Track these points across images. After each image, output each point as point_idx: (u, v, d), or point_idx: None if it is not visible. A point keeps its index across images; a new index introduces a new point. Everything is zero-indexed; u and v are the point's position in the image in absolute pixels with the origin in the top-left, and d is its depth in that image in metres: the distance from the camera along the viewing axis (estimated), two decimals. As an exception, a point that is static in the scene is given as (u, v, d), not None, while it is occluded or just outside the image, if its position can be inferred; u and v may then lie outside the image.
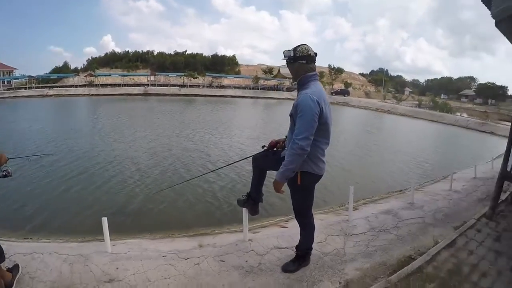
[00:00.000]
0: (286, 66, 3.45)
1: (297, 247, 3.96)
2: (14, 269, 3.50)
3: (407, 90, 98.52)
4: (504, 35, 6.53)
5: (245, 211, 4.44)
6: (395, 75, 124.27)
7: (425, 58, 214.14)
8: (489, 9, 5.65)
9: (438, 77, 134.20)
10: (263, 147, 3.92)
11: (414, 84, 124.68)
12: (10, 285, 3.30)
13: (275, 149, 3.82)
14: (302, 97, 3.16)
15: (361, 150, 17.71)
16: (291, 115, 3.31)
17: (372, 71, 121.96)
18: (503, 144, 8.96)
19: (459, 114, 50.06)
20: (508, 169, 5.58)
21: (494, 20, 5.61)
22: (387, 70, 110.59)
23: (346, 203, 6.83)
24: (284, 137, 3.75)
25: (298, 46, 3.31)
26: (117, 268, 3.82)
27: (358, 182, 10.99)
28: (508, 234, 5.21)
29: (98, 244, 4.71)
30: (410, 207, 6.61)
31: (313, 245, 4.08)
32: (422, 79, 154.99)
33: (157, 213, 8.07)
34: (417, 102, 63.47)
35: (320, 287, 3.62)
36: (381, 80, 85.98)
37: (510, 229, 5.42)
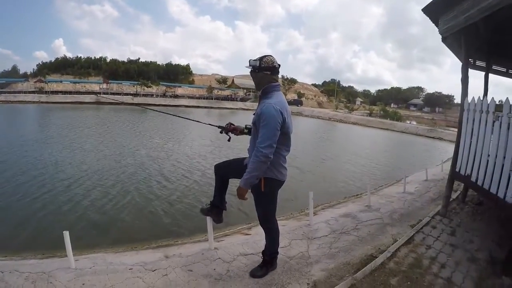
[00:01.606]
0: (250, 74, 3.51)
1: (263, 252, 4.00)
2: None
3: (359, 100, 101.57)
4: (450, 49, 7.03)
5: (209, 220, 4.42)
6: (346, 85, 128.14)
7: (375, 69, 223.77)
8: (437, 27, 6.09)
9: (388, 87, 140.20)
10: (219, 127, 4.08)
11: (365, 94, 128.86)
12: None
13: (230, 132, 4.02)
14: (265, 106, 3.22)
15: (317, 158, 17.98)
16: (254, 123, 3.40)
17: (325, 81, 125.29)
18: (451, 148, 9.40)
19: (408, 122, 52.39)
20: (457, 169, 5.88)
21: (440, 36, 6.05)
22: (339, 81, 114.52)
23: (306, 209, 7.00)
24: (243, 126, 3.98)
25: (264, 56, 3.40)
26: (83, 284, 3.70)
27: (315, 189, 11.19)
28: (461, 229, 5.52)
29: (60, 260, 4.54)
30: (367, 209, 6.81)
31: (279, 250, 4.12)
32: (372, 90, 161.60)
33: (117, 226, 7.79)
34: (369, 111, 65.58)
35: (290, 289, 3.65)
36: (333, 90, 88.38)
37: (463, 224, 5.72)
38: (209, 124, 4.67)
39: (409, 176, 11.07)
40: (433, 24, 6.35)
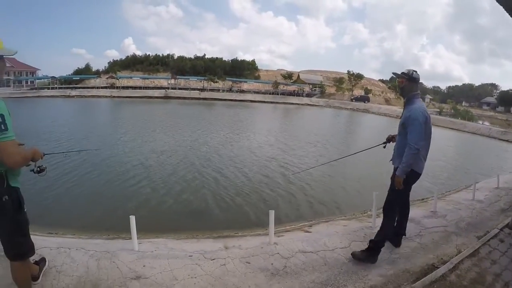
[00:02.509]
0: (398, 79, 4.33)
1: (371, 240, 4.38)
2: (41, 262, 3.58)
3: (428, 97, 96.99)
4: None
5: (271, 214, 4.62)
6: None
7: (444, 64, 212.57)
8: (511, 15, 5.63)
9: (459, 83, 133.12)
10: (384, 143, 5.16)
11: (435, 91, 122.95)
12: (36, 278, 3.37)
13: (390, 142, 4.98)
14: (414, 111, 3.97)
15: (385, 157, 17.55)
16: (402, 124, 4.13)
17: (392, 77, 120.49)
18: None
19: (481, 122, 49.17)
20: (532, 179, 5.58)
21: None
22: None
23: (369, 210, 6.90)
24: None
25: (415, 71, 4.17)
26: (144, 266, 3.92)
27: (381, 190, 11.01)
28: (531, 245, 5.22)
29: (124, 242, 4.88)
30: (432, 215, 6.59)
31: (337, 250, 4.34)
32: (443, 86, 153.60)
33: (181, 214, 8.21)
34: (438, 110, 62.50)
35: (344, 291, 3.68)
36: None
37: (533, 240, 5.42)
38: (376, 146, 5.67)
39: (479, 182, 10.54)
40: (506, 13, 5.88)
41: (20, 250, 2.92)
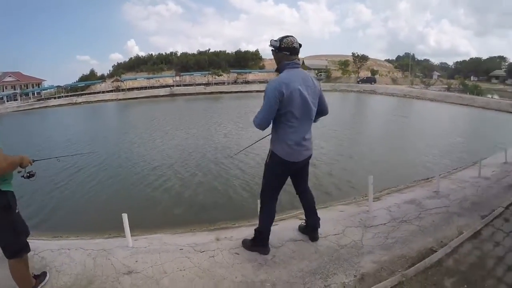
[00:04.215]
0: (272, 53, 3.65)
1: (255, 229, 4.12)
2: (41, 276, 3.62)
3: (435, 74, 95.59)
4: None
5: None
6: (421, 59, 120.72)
7: (450, 39, 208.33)
8: None
9: (466, 58, 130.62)
10: None
11: (442, 67, 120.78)
12: None
13: None
14: (269, 83, 3.46)
15: (389, 138, 17.38)
16: None
17: (398, 56, 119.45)
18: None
19: (490, 96, 48.29)
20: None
21: None
22: (413, 55, 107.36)
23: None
24: None
25: (285, 37, 3.52)
26: (136, 261, 4.02)
27: (386, 171, 10.81)
28: (538, 223, 4.93)
29: (121, 239, 4.89)
30: (435, 196, 6.33)
31: (330, 237, 4.21)
32: (450, 62, 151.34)
33: (181, 209, 8.25)
34: (446, 86, 61.67)
35: (334, 280, 3.54)
36: (408, 65, 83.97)
37: (541, 217, 5.13)
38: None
39: (486, 158, 10.23)
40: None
41: (13, 248, 3.08)
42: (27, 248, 3.21)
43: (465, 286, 3.35)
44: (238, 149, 13.67)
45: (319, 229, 4.32)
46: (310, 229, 4.32)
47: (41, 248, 4.11)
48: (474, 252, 4.00)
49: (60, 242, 5.08)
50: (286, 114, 3.40)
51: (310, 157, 3.79)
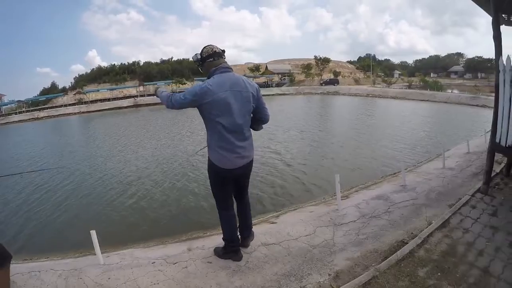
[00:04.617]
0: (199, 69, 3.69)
1: (222, 238, 4.05)
2: None
3: (396, 72, 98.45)
4: (478, 5, 6.31)
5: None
6: (382, 59, 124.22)
7: (409, 39, 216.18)
8: None
9: (426, 56, 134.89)
10: None
11: (403, 66, 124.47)
12: None
13: None
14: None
15: (354, 137, 17.57)
16: None
17: (360, 57, 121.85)
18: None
19: (450, 91, 49.90)
20: (497, 140, 5.38)
21: None
22: (374, 55, 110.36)
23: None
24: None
25: (203, 47, 3.53)
26: (109, 278, 3.90)
27: (353, 170, 10.89)
28: (504, 208, 5.03)
29: (92, 257, 4.69)
30: (402, 189, 6.41)
31: (301, 239, 4.19)
32: (410, 60, 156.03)
33: (151, 221, 8.02)
34: (407, 84, 63.49)
35: (309, 280, 3.51)
36: (369, 65, 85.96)
37: (506, 202, 5.23)
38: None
39: (449, 150, 10.49)
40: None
41: None
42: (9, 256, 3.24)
43: (439, 273, 3.36)
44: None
45: (252, 239, 4.29)
46: (242, 238, 4.18)
47: (11, 272, 3.82)
48: (445, 240, 4.03)
49: (30, 265, 4.86)
50: (212, 121, 3.34)
51: (249, 164, 3.66)
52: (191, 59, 3.95)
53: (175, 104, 3.43)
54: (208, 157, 3.56)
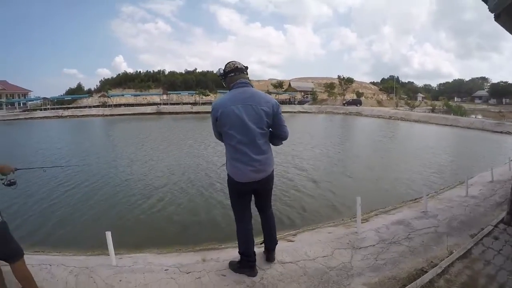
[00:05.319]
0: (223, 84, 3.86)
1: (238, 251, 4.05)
2: None
3: (420, 95, 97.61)
4: (506, 29, 6.21)
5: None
6: (406, 81, 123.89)
7: (433, 61, 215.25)
8: (487, 4, 5.39)
9: (450, 80, 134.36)
10: None
11: (426, 89, 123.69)
12: None
13: None
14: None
15: (376, 159, 17.43)
16: None
17: (383, 79, 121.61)
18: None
19: (473, 116, 49.14)
20: (524, 170, 5.28)
21: (493, 15, 5.34)
22: (397, 77, 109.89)
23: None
24: None
25: (227, 63, 3.71)
26: (120, 281, 3.89)
27: (373, 192, 10.78)
28: (529, 240, 4.90)
29: (104, 257, 4.72)
30: (423, 216, 6.29)
31: (319, 259, 4.16)
32: (433, 84, 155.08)
33: (166, 228, 8.11)
34: (431, 107, 62.69)
35: (325, 303, 3.40)
36: (393, 87, 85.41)
37: (530, 234, 5.10)
38: None
39: (473, 178, 10.28)
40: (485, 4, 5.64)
41: (5, 253, 3.16)
42: (18, 254, 3.24)
43: (458, 306, 3.29)
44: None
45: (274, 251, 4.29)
46: (266, 250, 4.26)
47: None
48: (465, 271, 3.94)
49: (41, 257, 4.89)
50: (226, 134, 3.48)
51: (267, 179, 3.68)
52: (215, 72, 4.14)
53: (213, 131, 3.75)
54: (226, 169, 3.67)
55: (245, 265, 3.92)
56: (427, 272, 3.89)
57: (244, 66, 3.67)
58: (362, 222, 5.66)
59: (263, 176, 3.56)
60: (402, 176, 13.16)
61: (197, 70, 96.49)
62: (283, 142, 3.86)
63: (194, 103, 69.06)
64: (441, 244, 4.88)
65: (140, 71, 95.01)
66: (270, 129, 3.61)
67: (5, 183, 3.37)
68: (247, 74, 3.70)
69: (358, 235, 5.24)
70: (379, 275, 3.95)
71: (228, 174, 3.62)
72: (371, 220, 6.32)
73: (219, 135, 3.65)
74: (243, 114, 3.39)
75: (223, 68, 3.70)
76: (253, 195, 3.82)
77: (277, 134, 3.69)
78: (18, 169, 3.45)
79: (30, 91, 72.83)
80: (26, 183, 11.24)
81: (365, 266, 4.18)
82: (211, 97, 72.74)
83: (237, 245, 4.00)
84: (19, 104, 64.58)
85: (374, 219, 6.45)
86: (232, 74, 3.61)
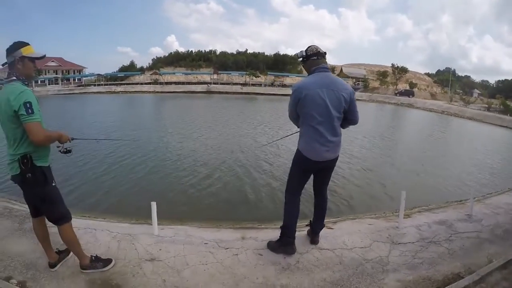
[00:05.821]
0: (302, 66, 4.06)
1: (281, 226, 4.21)
2: (63, 253, 3.78)
3: (476, 92, 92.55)
4: None
5: None
6: (462, 75, 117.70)
7: (492, 56, 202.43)
8: None
9: (509, 77, 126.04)
10: None
11: (483, 85, 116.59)
12: (52, 265, 3.58)
13: None
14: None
15: (424, 154, 17.02)
16: None
17: (439, 70, 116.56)
18: None
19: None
20: None
21: None
22: (454, 70, 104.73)
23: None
24: None
25: (308, 46, 3.83)
26: (159, 249, 4.14)
27: (418, 188, 10.62)
28: None
29: (147, 226, 5.01)
30: (467, 219, 6.15)
31: (356, 250, 4.23)
32: (492, 80, 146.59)
33: (210, 204, 8.36)
34: (486, 105, 59.51)
35: (356, 294, 3.49)
36: (448, 80, 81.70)
37: None
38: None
39: (525, 185, 9.92)
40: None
41: (53, 216, 3.40)
42: (66, 217, 3.46)
43: (490, 318, 3.27)
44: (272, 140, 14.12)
45: (319, 237, 4.50)
46: (312, 232, 4.44)
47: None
48: (503, 283, 3.85)
49: (87, 222, 5.25)
50: (306, 114, 3.66)
51: (334, 160, 3.90)
52: (293, 54, 4.27)
53: (288, 113, 3.95)
54: (298, 146, 3.86)
55: (284, 241, 4.08)
56: (463, 277, 3.86)
57: (323, 51, 3.80)
58: (404, 218, 5.64)
59: (333, 156, 3.80)
60: (450, 175, 12.83)
61: (248, 51, 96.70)
62: (350, 126, 4.02)
63: (244, 84, 69.45)
64: (482, 251, 4.78)
65: (191, 51, 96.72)
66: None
67: (61, 150, 3.52)
68: (326, 59, 3.84)
69: (398, 230, 5.25)
70: (414, 274, 3.96)
71: (299, 150, 3.82)
72: (413, 217, 6.24)
73: (296, 115, 3.80)
74: (326, 98, 3.57)
75: (305, 50, 3.81)
76: (312, 175, 4.03)
77: (349, 119, 3.86)
78: (74, 139, 3.61)
79: (85, 67, 75.88)
80: (81, 152, 11.90)
81: (402, 262, 4.20)
82: (261, 79, 72.85)
83: (276, 226, 4.15)
84: (74, 79, 67.92)
85: (417, 216, 6.37)
86: (315, 58, 3.76)
